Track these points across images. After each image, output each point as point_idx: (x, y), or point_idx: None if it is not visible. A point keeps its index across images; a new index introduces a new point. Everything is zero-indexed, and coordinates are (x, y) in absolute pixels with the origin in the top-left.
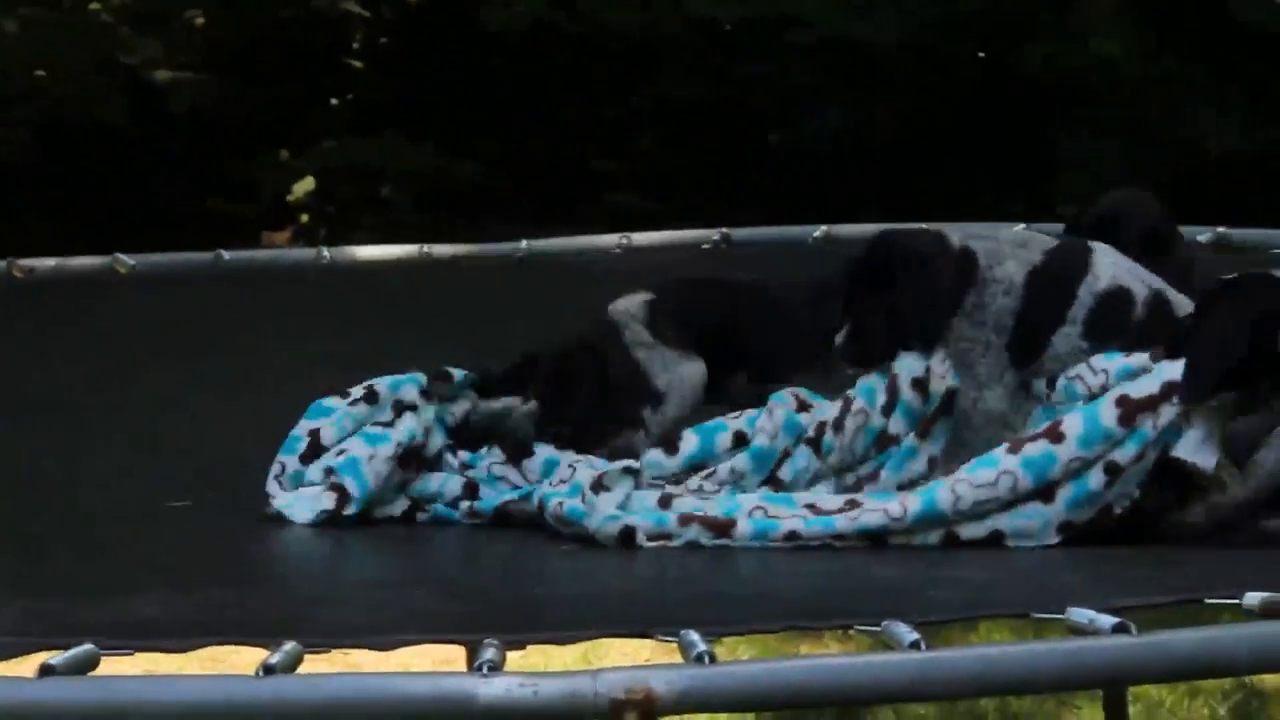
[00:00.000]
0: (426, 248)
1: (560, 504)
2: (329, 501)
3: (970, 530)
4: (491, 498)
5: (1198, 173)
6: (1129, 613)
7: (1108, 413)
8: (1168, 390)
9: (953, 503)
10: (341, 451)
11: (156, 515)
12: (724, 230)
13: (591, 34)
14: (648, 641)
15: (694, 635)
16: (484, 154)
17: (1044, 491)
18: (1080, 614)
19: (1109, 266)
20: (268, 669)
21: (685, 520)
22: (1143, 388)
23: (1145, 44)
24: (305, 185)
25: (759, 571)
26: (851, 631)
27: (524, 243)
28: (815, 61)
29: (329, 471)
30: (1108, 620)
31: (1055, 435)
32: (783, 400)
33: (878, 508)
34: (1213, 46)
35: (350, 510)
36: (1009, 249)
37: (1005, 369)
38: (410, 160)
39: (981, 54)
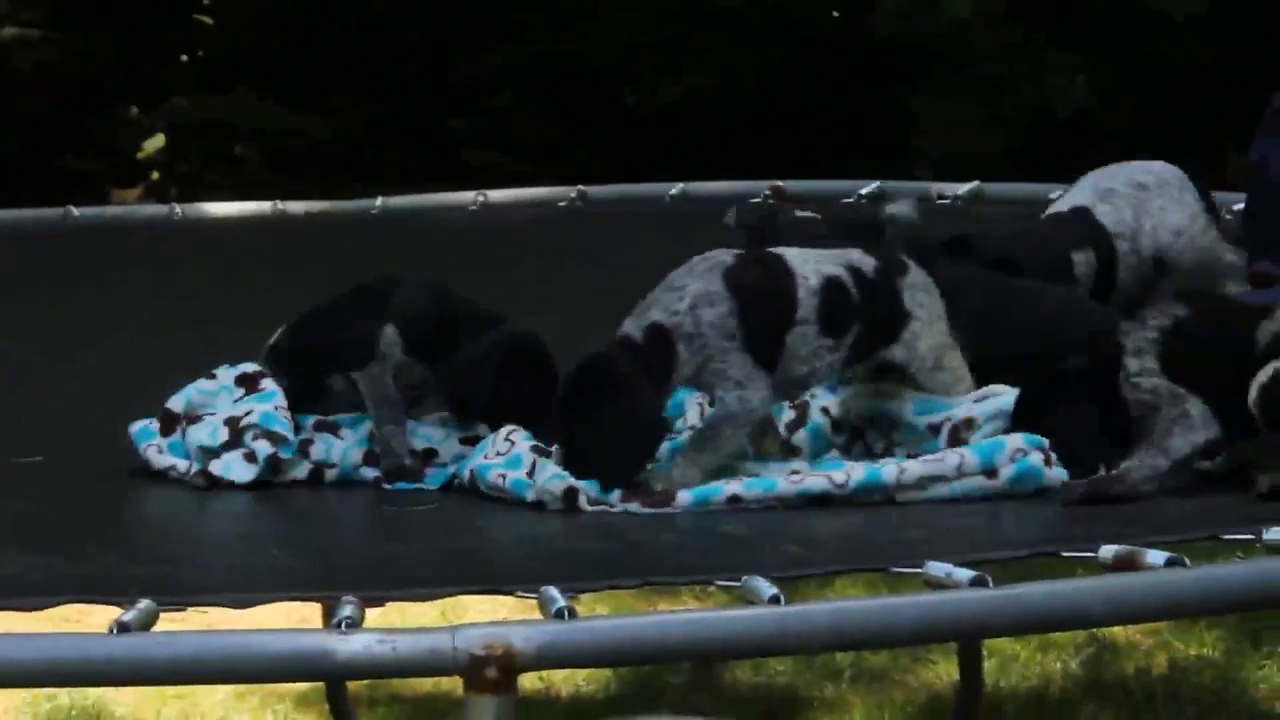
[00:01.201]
0: (280, 205)
1: (503, 476)
2: (265, 448)
3: (909, 496)
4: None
5: (1048, 135)
6: (986, 567)
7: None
8: None
9: (897, 476)
10: (247, 413)
11: (6, 473)
12: (581, 188)
13: None
14: (506, 600)
15: (553, 591)
16: (337, 111)
17: (989, 472)
18: (938, 567)
19: (803, 263)
20: (122, 627)
21: (626, 498)
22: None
23: (995, 8)
24: (156, 142)
25: (616, 529)
26: (711, 588)
27: (379, 200)
28: (671, 20)
29: (246, 429)
30: (965, 574)
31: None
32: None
33: (822, 475)
34: (1060, 11)
35: (286, 453)
36: (684, 276)
37: (754, 368)
38: (262, 118)
39: (836, 14)
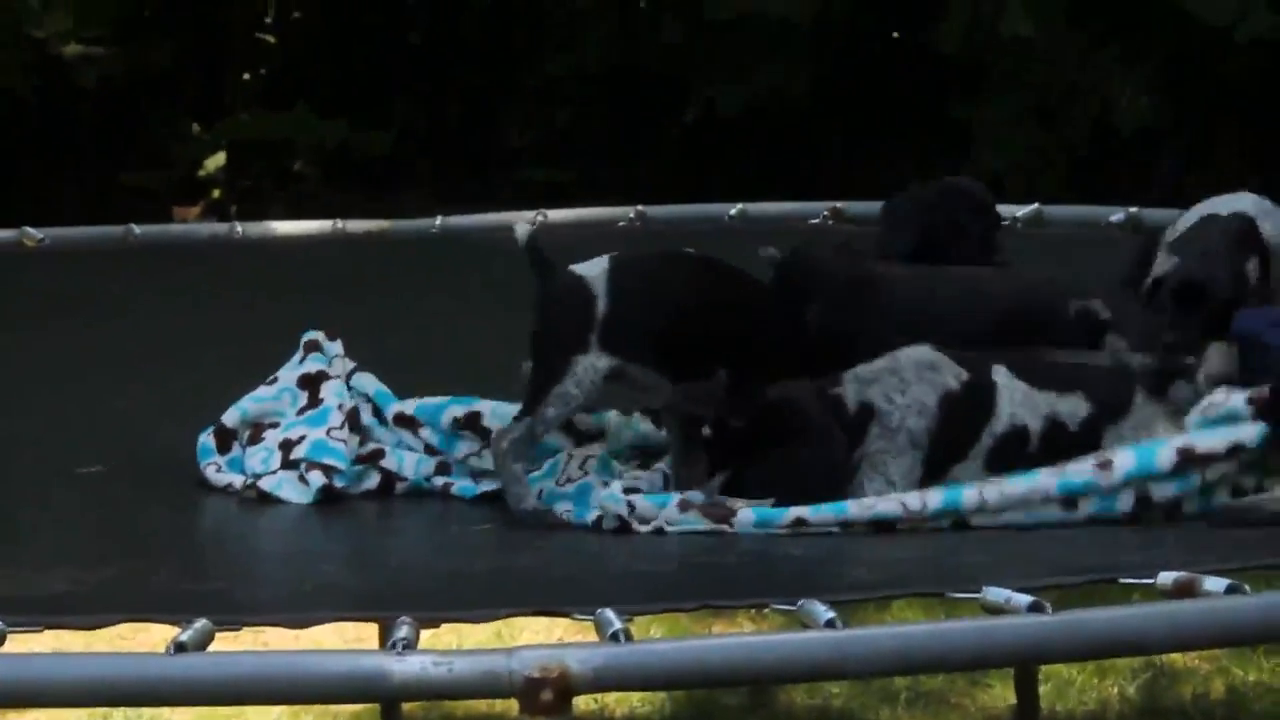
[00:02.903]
0: (341, 223)
1: (568, 511)
2: (318, 479)
3: (982, 520)
4: (468, 486)
5: (1110, 151)
6: (1043, 592)
7: (1165, 457)
8: (1232, 450)
9: (977, 504)
10: (301, 438)
11: (66, 488)
12: (639, 208)
13: (507, 2)
14: (561, 621)
15: (609, 614)
16: (396, 126)
17: (1067, 501)
18: (997, 593)
19: (1008, 405)
20: (179, 646)
21: (684, 506)
22: (1210, 443)
23: (1057, 23)
24: (217, 160)
25: (673, 551)
26: (766, 611)
27: (439, 219)
28: (731, 35)
29: (298, 463)
30: (1024, 599)
31: (1104, 465)
32: None
33: (895, 499)
34: (1123, 26)
35: (340, 483)
36: (913, 374)
37: (912, 474)
38: (321, 134)
39: (896, 34)
